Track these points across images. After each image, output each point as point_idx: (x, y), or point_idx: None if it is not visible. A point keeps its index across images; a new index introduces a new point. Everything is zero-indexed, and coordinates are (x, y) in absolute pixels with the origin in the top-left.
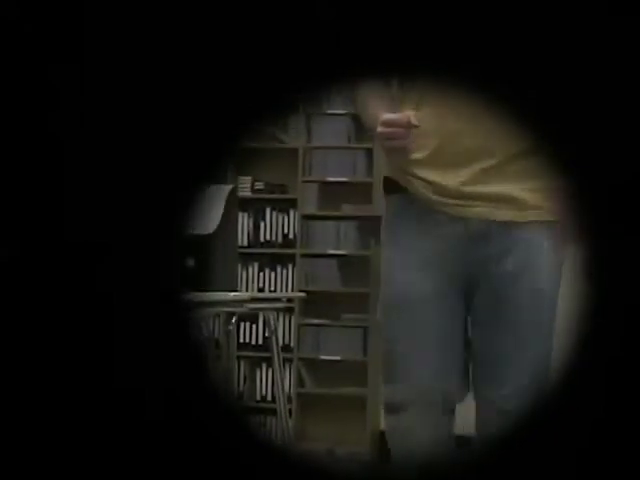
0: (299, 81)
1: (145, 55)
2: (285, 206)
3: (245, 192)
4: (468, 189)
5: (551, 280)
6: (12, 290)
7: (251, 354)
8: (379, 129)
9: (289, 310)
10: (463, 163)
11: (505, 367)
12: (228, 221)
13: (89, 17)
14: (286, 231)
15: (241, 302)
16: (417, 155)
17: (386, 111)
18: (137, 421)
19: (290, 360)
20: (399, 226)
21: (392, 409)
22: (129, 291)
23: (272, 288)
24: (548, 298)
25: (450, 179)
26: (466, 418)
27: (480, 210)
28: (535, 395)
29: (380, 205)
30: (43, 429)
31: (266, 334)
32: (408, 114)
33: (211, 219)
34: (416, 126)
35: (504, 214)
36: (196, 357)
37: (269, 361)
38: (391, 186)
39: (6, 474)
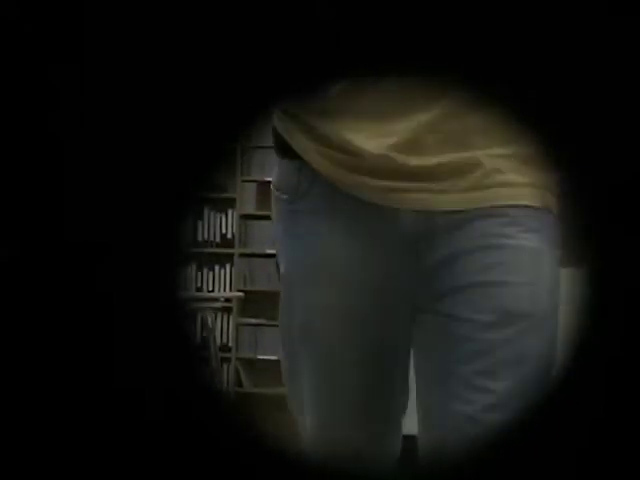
0: (298, 81)
1: (145, 55)
2: (223, 206)
3: None
4: (401, 159)
5: (545, 294)
6: (12, 290)
7: None
8: None
9: (227, 310)
10: (389, 117)
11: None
12: None
13: (89, 17)
14: (224, 231)
15: None
16: (319, 104)
17: None
18: (137, 421)
19: (228, 360)
20: (298, 214)
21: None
22: (129, 291)
23: (210, 288)
24: (538, 318)
25: (372, 140)
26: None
27: (419, 197)
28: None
29: None
30: (43, 429)
31: (204, 334)
32: None
33: None
34: None
35: (455, 200)
36: (195, 357)
37: (207, 361)
38: (286, 146)
39: (6, 474)
